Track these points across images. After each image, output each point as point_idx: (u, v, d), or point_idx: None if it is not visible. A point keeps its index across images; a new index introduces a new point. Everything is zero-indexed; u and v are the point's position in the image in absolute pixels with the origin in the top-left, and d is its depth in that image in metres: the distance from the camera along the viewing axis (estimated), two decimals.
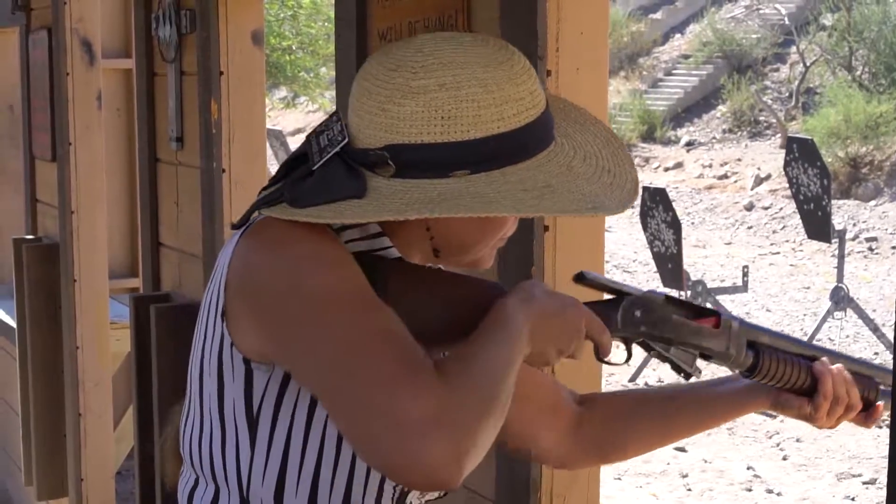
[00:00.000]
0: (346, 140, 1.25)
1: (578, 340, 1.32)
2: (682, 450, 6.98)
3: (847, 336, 8.81)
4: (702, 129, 18.26)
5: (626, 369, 8.07)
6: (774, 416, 7.59)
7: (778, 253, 13.02)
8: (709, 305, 8.23)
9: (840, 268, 8.30)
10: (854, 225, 13.34)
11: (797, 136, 9.45)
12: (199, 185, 3.13)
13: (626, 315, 1.38)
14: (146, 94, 3.47)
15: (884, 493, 6.27)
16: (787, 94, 18.16)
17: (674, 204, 8.46)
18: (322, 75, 15.09)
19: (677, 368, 1.42)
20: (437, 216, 1.21)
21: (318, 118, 23.71)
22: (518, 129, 1.24)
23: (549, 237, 1.90)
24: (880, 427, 7.34)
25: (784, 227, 14.02)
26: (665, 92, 19.29)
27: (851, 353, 8.63)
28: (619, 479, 6.46)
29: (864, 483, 6.44)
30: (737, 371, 1.47)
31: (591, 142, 1.33)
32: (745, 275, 8.45)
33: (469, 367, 1.18)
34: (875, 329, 8.42)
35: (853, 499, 6.25)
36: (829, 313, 8.22)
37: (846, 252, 8.45)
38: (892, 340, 7.51)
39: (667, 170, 17.13)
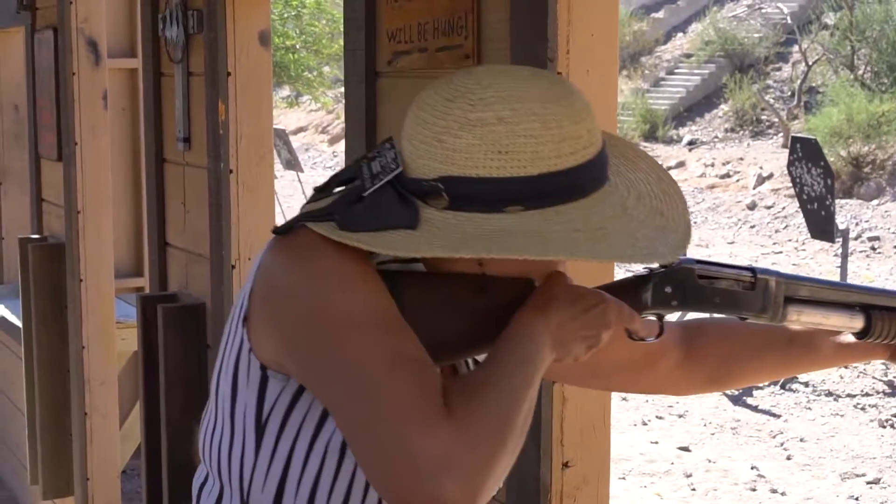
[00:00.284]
0: (400, 169, 1.24)
1: (608, 333, 1.30)
2: (686, 449, 6.99)
3: None
4: (704, 129, 18.25)
5: None
6: (778, 416, 7.59)
7: (780, 252, 13.02)
8: None
9: (843, 267, 8.30)
10: (856, 224, 13.33)
11: (801, 135, 9.44)
12: (207, 185, 3.13)
13: (656, 293, 1.36)
14: (153, 94, 3.48)
15: (888, 492, 6.28)
16: (789, 94, 18.15)
17: None
18: (325, 74, 15.09)
19: None
20: (490, 256, 1.21)
21: (320, 117, 23.72)
22: (575, 168, 1.22)
23: None
24: (884, 427, 7.34)
25: (786, 226, 14.02)
26: (667, 91, 19.28)
27: None
28: (624, 478, 6.46)
29: (868, 483, 6.44)
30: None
31: (643, 180, 1.32)
32: None
33: (484, 396, 1.17)
34: None
35: (857, 498, 6.26)
36: None
37: (849, 251, 8.44)
38: None
39: (669, 169, 17.09)
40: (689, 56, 20.13)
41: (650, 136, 18.10)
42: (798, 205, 11.49)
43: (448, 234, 1.20)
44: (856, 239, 12.63)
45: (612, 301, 1.31)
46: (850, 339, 1.49)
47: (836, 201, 9.53)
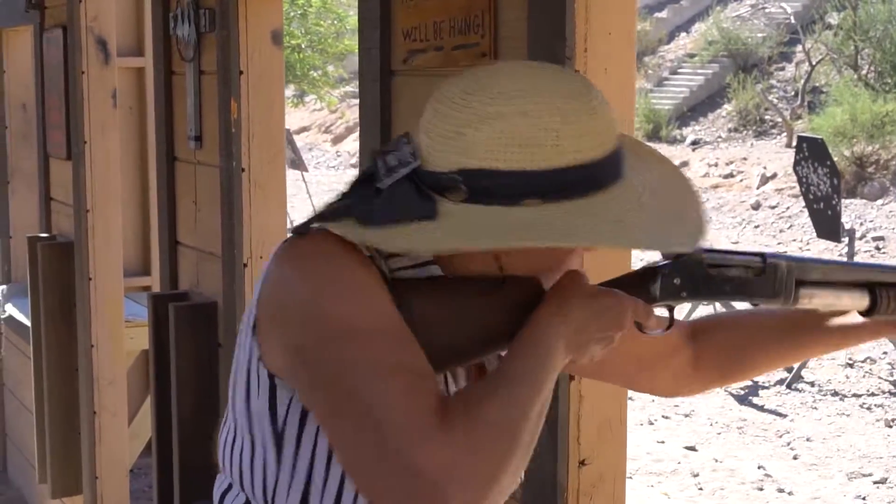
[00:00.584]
0: (418, 162, 1.23)
1: (622, 331, 1.30)
2: (692, 449, 6.99)
3: None
4: (707, 128, 18.24)
5: None
6: (784, 416, 7.59)
7: (785, 252, 13.02)
8: (721, 308, 8.22)
9: None
10: (861, 224, 13.33)
11: (807, 135, 9.43)
12: (218, 183, 3.13)
13: (665, 285, 1.35)
14: (164, 92, 3.48)
15: (895, 492, 6.27)
16: (792, 93, 18.14)
17: None
18: (330, 73, 15.10)
19: None
20: (510, 246, 1.20)
21: (324, 116, 23.70)
22: (594, 162, 1.22)
23: None
24: (890, 426, 7.34)
25: (791, 226, 14.01)
26: (670, 91, 19.27)
27: (860, 352, 8.63)
28: (631, 477, 6.46)
29: (875, 482, 6.44)
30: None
31: (656, 176, 1.32)
32: None
33: (488, 405, 1.16)
34: None
35: (864, 498, 6.25)
36: None
37: (854, 251, 8.43)
38: None
39: None
40: (692, 56, 20.12)
41: (653, 135, 18.08)
42: (803, 205, 11.49)
43: (467, 227, 1.20)
44: (860, 239, 12.62)
45: (626, 299, 1.31)
46: (858, 319, 1.48)
47: (841, 201, 9.50)
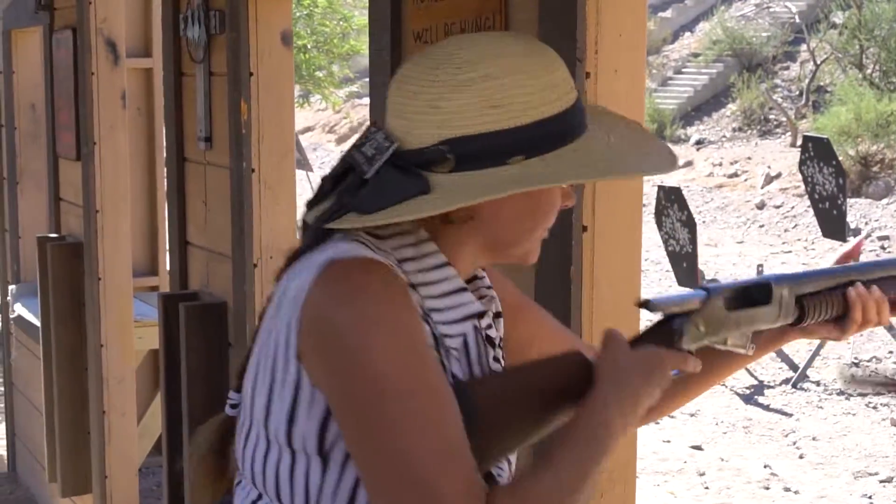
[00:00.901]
0: (396, 145, 1.27)
1: (668, 385, 1.33)
2: (698, 448, 7.00)
3: (861, 334, 8.81)
4: (712, 128, 18.24)
5: None
6: (790, 415, 7.60)
7: (790, 252, 13.01)
8: None
9: None
10: (866, 224, 13.32)
11: (812, 134, 9.44)
12: (228, 184, 3.15)
13: (692, 332, 1.38)
14: (174, 94, 3.49)
15: None
16: (797, 93, 18.13)
17: None
18: (335, 73, 15.11)
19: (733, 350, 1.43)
20: (509, 193, 1.25)
21: (327, 117, 23.73)
22: (563, 113, 1.28)
23: (588, 237, 1.92)
24: None
25: (796, 225, 14.01)
26: (675, 90, 19.27)
27: (865, 351, 8.64)
28: (637, 477, 6.45)
29: (881, 481, 6.45)
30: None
31: (614, 123, 1.38)
32: (759, 273, 8.45)
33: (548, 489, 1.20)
34: (890, 328, 8.42)
35: (870, 497, 6.26)
36: None
37: (859, 251, 8.44)
38: None
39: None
40: (696, 55, 20.12)
41: (658, 135, 18.05)
42: (807, 204, 11.48)
43: (464, 189, 1.24)
44: (865, 238, 12.61)
45: (667, 355, 1.33)
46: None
47: (847, 200, 9.51)
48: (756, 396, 7.94)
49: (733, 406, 7.76)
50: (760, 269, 8.66)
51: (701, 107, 18.89)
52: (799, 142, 13.99)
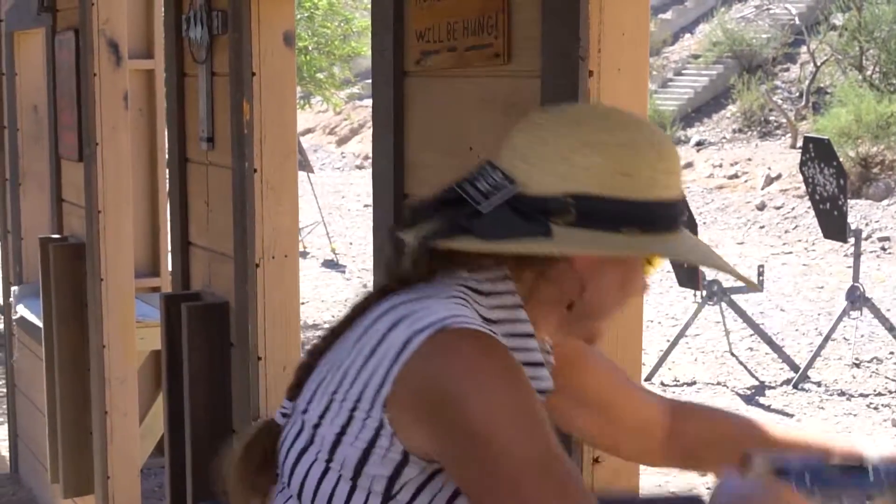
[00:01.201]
0: (518, 187, 1.29)
1: None
2: None
3: (862, 336, 8.81)
4: (712, 129, 18.25)
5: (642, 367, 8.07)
6: (791, 416, 7.60)
7: (791, 253, 13.01)
8: (727, 309, 8.22)
9: (856, 268, 8.30)
10: (866, 225, 13.33)
11: (813, 135, 9.44)
12: (231, 184, 3.16)
13: (797, 482, 1.38)
14: (176, 94, 3.50)
15: None
16: (797, 94, 18.14)
17: None
18: (335, 75, 15.11)
19: None
20: (620, 254, 1.29)
21: (328, 118, 23.72)
22: (676, 201, 1.33)
23: None
24: None
25: (796, 226, 14.02)
26: (675, 92, 19.28)
27: (866, 352, 8.63)
28: (639, 476, 6.46)
29: None
30: None
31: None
32: (760, 274, 8.45)
33: None
34: (891, 328, 8.42)
35: None
36: (844, 312, 8.22)
37: (860, 252, 8.44)
38: None
39: None
40: (696, 57, 20.13)
41: None
42: (807, 205, 11.49)
43: (586, 243, 1.27)
44: (866, 239, 12.62)
45: (783, 490, 1.34)
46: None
47: (847, 201, 9.52)
48: (757, 397, 7.94)
49: (734, 407, 7.76)
50: (762, 269, 8.65)
51: (701, 108, 18.91)
52: (799, 143, 14.01)
